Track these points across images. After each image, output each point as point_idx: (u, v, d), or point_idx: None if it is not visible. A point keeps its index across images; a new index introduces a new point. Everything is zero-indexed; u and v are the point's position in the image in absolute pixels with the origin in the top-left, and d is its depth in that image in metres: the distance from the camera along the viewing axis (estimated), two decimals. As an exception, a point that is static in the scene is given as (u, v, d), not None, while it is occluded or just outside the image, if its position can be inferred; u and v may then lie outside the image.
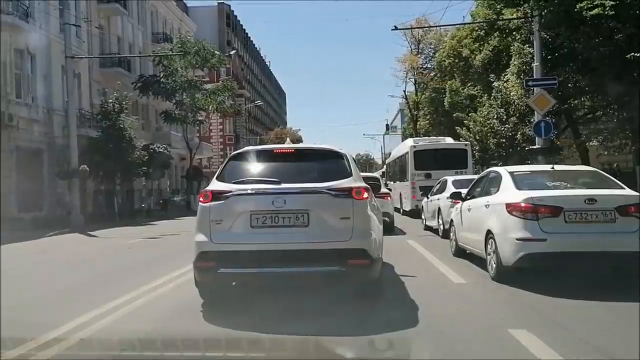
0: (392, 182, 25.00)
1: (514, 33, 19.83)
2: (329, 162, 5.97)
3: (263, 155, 6.12)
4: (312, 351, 3.95)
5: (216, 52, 36.11)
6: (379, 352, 4.05)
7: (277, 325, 4.81)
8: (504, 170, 7.91)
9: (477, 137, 26.34)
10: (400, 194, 22.70)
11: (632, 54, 13.58)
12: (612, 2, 13.77)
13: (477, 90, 29.31)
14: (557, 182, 7.35)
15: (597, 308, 5.49)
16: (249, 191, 5.53)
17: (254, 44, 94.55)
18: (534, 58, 17.12)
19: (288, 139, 21.12)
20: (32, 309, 6.11)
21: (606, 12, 13.85)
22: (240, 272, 5.47)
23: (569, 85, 18.68)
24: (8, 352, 3.90)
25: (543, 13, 16.13)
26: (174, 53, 31.95)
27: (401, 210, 22.08)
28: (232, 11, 74.99)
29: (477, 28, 27.04)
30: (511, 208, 6.69)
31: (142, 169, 27.66)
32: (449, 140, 24.33)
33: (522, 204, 6.58)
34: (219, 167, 6.55)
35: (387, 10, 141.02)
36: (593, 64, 15.98)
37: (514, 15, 19.12)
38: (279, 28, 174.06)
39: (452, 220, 9.86)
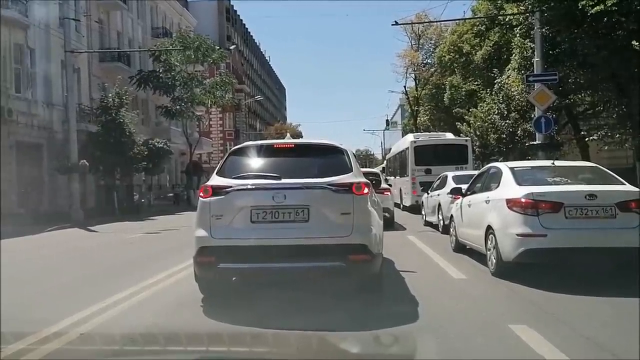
0: (392, 178, 25.00)
1: (515, 28, 19.78)
2: (329, 158, 5.96)
3: (263, 151, 6.10)
4: (316, 346, 3.94)
5: (216, 47, 36.02)
6: (383, 347, 4.04)
7: (277, 320, 4.81)
8: (504, 166, 7.91)
9: (478, 133, 26.31)
10: (401, 190, 22.70)
11: (637, 43, 13.45)
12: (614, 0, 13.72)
13: (477, 85, 29.26)
14: (558, 178, 7.37)
15: (597, 304, 5.49)
16: (249, 186, 5.52)
17: (254, 39, 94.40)
18: (535, 53, 17.09)
19: (288, 134, 21.12)
20: (33, 304, 6.12)
21: (608, 9, 13.80)
22: (240, 267, 5.47)
23: (570, 80, 18.65)
24: (9, 347, 3.89)
25: (544, 8, 16.08)
26: (174, 48, 31.87)
27: (401, 206, 22.08)
28: (232, 6, 74.82)
29: (477, 23, 26.99)
30: (511, 203, 6.69)
31: (142, 164, 27.65)
32: (449, 135, 24.32)
33: (523, 200, 6.58)
34: (218, 162, 6.54)
35: (387, 5, 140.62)
36: (593, 60, 15.94)
37: (515, 11, 19.05)
38: (279, 23, 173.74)
39: (452, 216, 9.86)
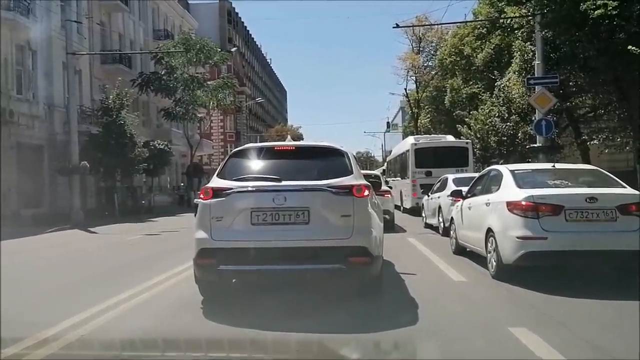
0: (392, 180, 24.99)
1: (516, 31, 19.82)
2: (329, 160, 5.96)
3: (264, 153, 6.10)
4: (316, 352, 3.93)
5: (218, 49, 36.06)
6: (384, 352, 4.03)
7: (277, 322, 4.80)
8: (504, 169, 7.90)
9: (478, 135, 26.29)
10: (401, 192, 22.68)
11: (634, 47, 13.49)
12: (615, 3, 13.75)
13: (478, 88, 29.27)
14: (558, 181, 7.35)
15: (597, 306, 5.49)
16: (249, 188, 5.52)
17: (255, 41, 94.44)
18: (536, 56, 17.11)
19: (289, 136, 21.10)
20: (31, 306, 6.09)
21: (609, 12, 13.83)
22: (240, 270, 5.47)
23: (571, 83, 18.67)
24: (5, 350, 3.88)
25: (545, 11, 16.11)
26: (177, 50, 31.90)
27: (402, 208, 22.07)
28: (234, 8, 74.90)
29: (479, 26, 27.01)
30: (512, 206, 6.68)
31: (143, 166, 27.68)
32: (449, 138, 24.32)
33: (523, 202, 6.57)
34: (219, 164, 6.54)
35: (388, 8, 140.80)
36: (594, 64, 15.96)
37: (516, 14, 19.09)
38: (281, 25, 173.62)
39: (452, 218, 9.85)
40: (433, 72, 45.02)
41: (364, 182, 5.71)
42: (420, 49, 48.34)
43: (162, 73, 32.97)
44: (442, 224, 12.81)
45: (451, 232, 9.93)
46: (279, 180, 5.49)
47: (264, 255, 5.32)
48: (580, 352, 4.13)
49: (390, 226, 13.16)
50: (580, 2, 14.54)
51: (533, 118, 18.56)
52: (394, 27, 23.25)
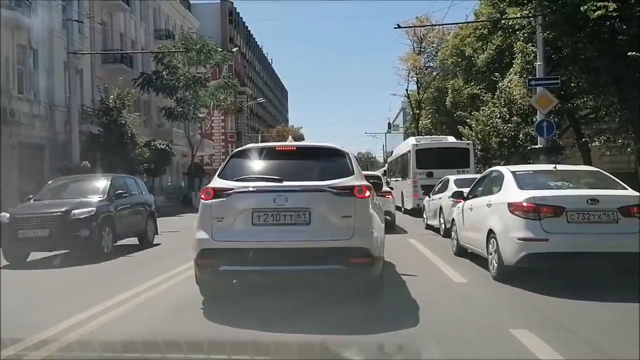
0: (393, 181, 24.97)
1: (517, 32, 19.80)
2: (330, 160, 5.95)
3: (265, 153, 6.10)
4: (318, 353, 3.92)
5: (219, 49, 36.03)
6: (387, 355, 4.01)
7: (278, 323, 4.80)
8: (506, 170, 7.89)
9: (480, 136, 26.26)
10: (402, 193, 22.67)
11: (634, 52, 13.51)
12: (615, 5, 13.75)
13: (479, 89, 29.25)
14: (560, 182, 7.35)
15: (598, 308, 5.48)
16: (250, 189, 5.51)
17: (257, 41, 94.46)
18: (537, 57, 17.11)
19: (290, 137, 21.07)
20: (31, 307, 6.09)
21: (609, 14, 13.82)
22: (241, 270, 5.46)
23: (572, 84, 18.65)
24: (4, 351, 3.87)
25: (546, 12, 16.10)
26: (177, 50, 31.89)
27: (402, 209, 22.05)
28: (235, 8, 74.91)
29: (480, 27, 26.98)
30: (513, 208, 6.67)
31: (144, 166, 27.66)
32: (451, 139, 24.30)
33: (524, 204, 6.56)
34: (220, 164, 6.53)
35: (390, 8, 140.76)
36: (595, 65, 15.95)
37: (518, 15, 19.06)
38: (282, 26, 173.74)
39: (453, 220, 9.84)
40: (434, 73, 45.00)
41: (365, 182, 5.71)
42: (422, 49, 48.31)
43: (165, 73, 32.92)
44: (443, 225, 12.79)
45: (452, 234, 9.92)
46: (280, 180, 5.49)
47: (265, 255, 5.31)
48: (581, 354, 4.12)
49: (391, 227, 13.16)
50: (581, 3, 14.53)
51: (534, 119, 18.53)
52: (395, 28, 23.37)
